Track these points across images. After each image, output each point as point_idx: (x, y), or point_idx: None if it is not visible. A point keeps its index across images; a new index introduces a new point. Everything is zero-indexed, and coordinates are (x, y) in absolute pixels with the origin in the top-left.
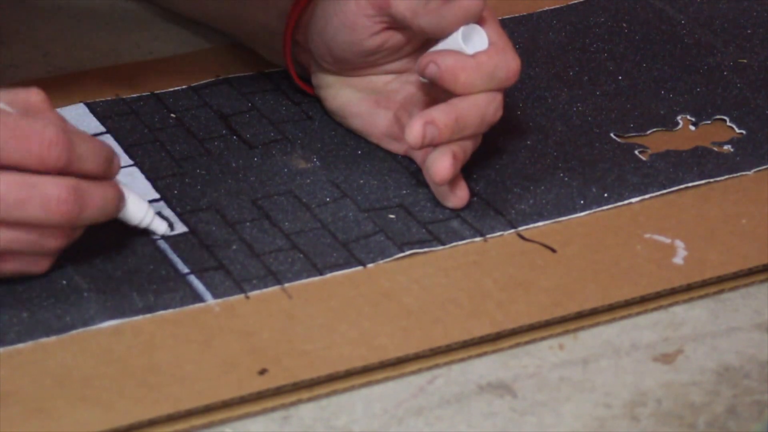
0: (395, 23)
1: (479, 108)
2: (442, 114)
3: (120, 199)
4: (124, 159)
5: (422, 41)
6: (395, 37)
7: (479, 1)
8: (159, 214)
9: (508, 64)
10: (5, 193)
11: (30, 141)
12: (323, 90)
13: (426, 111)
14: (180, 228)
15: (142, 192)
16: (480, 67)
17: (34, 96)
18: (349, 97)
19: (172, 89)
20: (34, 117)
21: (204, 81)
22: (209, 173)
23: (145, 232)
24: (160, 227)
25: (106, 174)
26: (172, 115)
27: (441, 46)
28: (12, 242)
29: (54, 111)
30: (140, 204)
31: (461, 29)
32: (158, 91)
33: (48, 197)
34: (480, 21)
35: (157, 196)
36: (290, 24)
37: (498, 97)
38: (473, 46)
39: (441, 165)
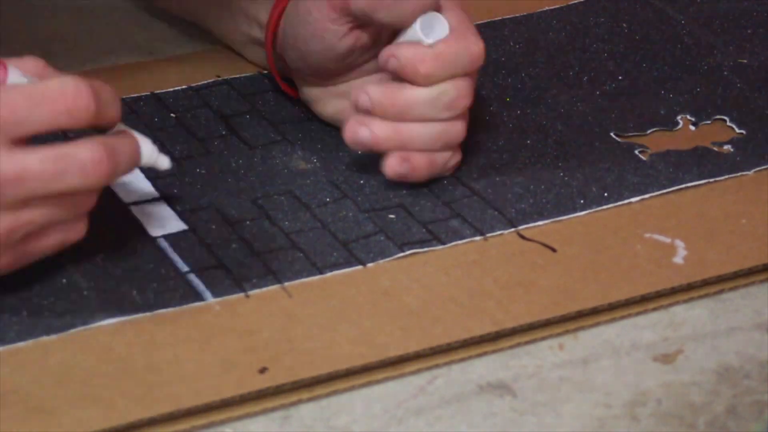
0: (359, 21)
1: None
2: (382, 130)
3: (139, 146)
4: None
5: (392, 35)
6: (364, 36)
7: None
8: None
9: (470, 50)
10: (41, 169)
11: (54, 102)
12: (312, 104)
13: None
14: (180, 226)
15: (142, 191)
16: (439, 56)
17: (32, 64)
18: (337, 106)
19: (172, 89)
20: (49, 80)
21: (204, 81)
22: (209, 173)
23: (144, 231)
24: (164, 162)
25: (119, 118)
26: (172, 115)
27: (402, 38)
28: (52, 214)
29: (58, 72)
30: (146, 143)
31: (420, 19)
32: (158, 91)
33: (84, 162)
34: (439, 8)
35: (157, 195)
36: (268, 38)
37: (460, 84)
38: (435, 35)
39: (388, 162)
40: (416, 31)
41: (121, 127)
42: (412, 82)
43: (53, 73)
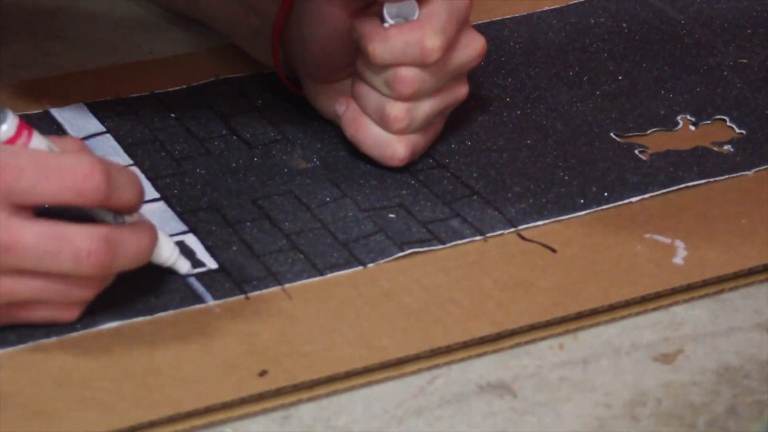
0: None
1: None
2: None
3: (154, 243)
4: (124, 158)
5: None
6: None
7: None
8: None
9: (422, 42)
10: (34, 244)
11: (63, 177)
12: (316, 102)
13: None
14: (180, 227)
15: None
16: (388, 40)
17: (70, 144)
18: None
19: (172, 89)
20: (65, 153)
21: (204, 81)
22: (209, 173)
23: None
24: (183, 266)
25: (139, 204)
26: (172, 114)
27: (386, 16)
28: (40, 292)
29: (91, 152)
30: (167, 243)
31: (397, 4)
32: (158, 91)
33: (78, 249)
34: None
35: (157, 195)
36: (276, 31)
37: (405, 71)
38: (404, 19)
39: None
40: (384, 13)
41: (143, 218)
42: (364, 55)
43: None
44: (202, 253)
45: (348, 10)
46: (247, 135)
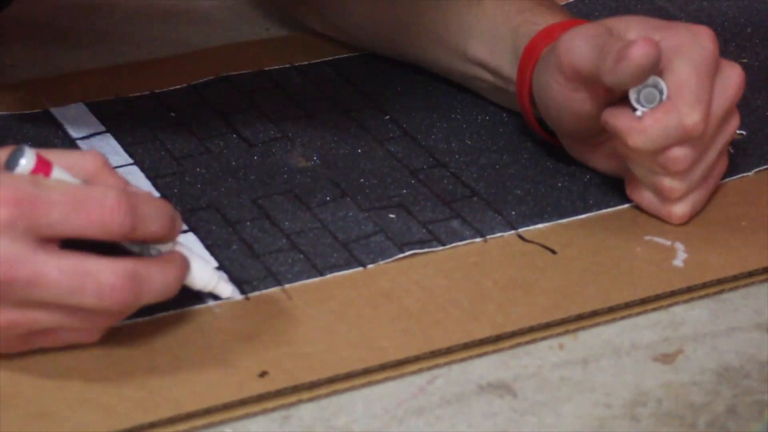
0: (594, 84)
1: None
2: None
3: (182, 277)
4: (124, 157)
5: None
6: (607, 96)
7: (648, 52)
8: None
9: (681, 122)
10: (57, 280)
11: (89, 211)
12: (581, 159)
13: None
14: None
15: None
16: (645, 132)
17: (91, 162)
18: (605, 165)
19: (172, 88)
20: (92, 185)
21: (204, 79)
22: (209, 171)
23: None
24: (224, 290)
25: (170, 235)
26: (172, 113)
27: (634, 103)
28: (62, 321)
29: (114, 174)
30: (204, 271)
31: (639, 87)
32: (158, 90)
33: (102, 285)
34: (662, 69)
35: (156, 194)
36: (522, 100)
37: (670, 154)
38: (652, 102)
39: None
40: (631, 100)
41: (177, 246)
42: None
43: (109, 173)
44: (201, 252)
45: (592, 97)
46: (247, 133)
